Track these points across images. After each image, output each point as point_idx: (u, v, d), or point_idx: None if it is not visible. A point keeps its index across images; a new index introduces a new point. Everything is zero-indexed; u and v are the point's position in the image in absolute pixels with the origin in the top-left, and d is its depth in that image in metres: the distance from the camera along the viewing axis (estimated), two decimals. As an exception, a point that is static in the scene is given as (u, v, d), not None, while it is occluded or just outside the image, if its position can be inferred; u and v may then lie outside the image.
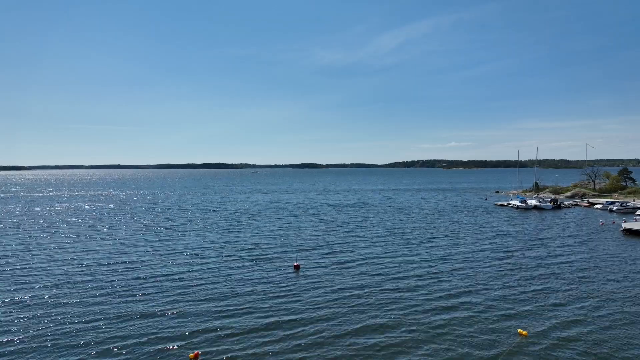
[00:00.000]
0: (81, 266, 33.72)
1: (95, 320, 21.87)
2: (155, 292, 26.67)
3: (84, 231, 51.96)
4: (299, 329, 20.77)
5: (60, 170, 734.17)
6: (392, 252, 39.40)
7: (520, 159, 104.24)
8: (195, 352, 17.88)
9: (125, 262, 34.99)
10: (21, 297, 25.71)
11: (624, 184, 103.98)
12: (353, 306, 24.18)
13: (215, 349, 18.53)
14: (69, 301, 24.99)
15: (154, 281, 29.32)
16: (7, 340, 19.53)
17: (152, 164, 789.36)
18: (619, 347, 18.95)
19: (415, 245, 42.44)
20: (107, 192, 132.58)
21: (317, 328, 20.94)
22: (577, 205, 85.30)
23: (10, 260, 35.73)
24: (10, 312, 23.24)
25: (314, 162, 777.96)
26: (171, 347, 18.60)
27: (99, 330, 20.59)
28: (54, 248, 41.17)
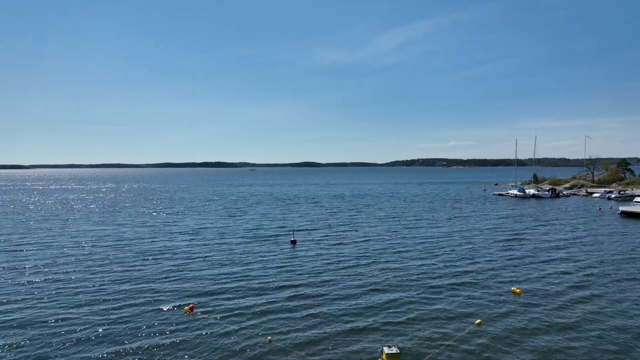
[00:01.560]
0: (88, 245, 33.97)
1: (99, 286, 22.09)
2: (155, 264, 26.90)
3: (93, 215, 52.17)
4: (290, 292, 20.96)
5: (59, 169, 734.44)
6: (393, 231, 39.50)
7: (518, 157, 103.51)
8: (191, 304, 18.03)
9: (126, 240, 35.27)
10: (27, 273, 25.94)
11: (623, 175, 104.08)
12: (349, 274, 24.34)
13: (210, 303, 18.72)
14: (75, 268, 25.28)
15: (155, 254, 29.54)
16: (10, 308, 19.70)
17: (151, 163, 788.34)
18: (600, 305, 19.12)
19: (417, 228, 42.25)
20: (108, 185, 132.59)
21: (309, 293, 21.13)
22: (575, 194, 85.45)
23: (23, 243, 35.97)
24: (19, 286, 23.47)
25: (313, 161, 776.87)
26: (169, 306, 18.62)
27: (102, 293, 20.80)
28: (62, 230, 41.42)
